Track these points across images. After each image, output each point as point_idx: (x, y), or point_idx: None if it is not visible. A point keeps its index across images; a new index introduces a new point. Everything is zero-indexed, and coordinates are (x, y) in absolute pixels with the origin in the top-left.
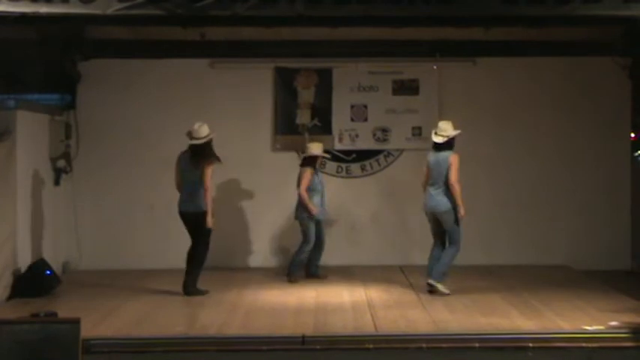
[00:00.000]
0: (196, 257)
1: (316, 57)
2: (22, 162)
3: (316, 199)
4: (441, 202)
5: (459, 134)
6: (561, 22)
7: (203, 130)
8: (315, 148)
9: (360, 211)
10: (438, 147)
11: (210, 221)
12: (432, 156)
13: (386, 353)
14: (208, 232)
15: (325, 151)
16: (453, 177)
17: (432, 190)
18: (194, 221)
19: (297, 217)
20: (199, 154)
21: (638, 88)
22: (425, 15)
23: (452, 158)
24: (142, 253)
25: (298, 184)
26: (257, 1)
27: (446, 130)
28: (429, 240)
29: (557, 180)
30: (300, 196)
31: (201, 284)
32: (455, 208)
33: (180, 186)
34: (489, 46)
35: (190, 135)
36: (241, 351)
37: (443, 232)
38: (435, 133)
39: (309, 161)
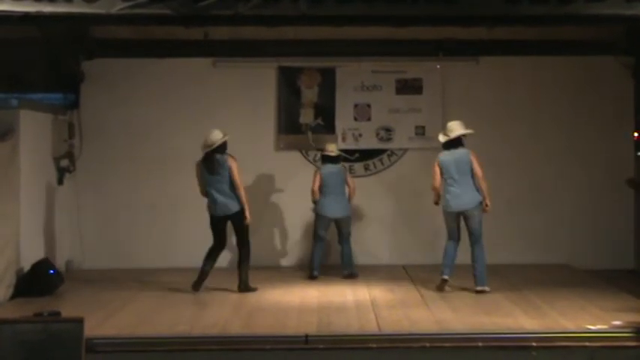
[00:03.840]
0: (247, 254)
1: (319, 56)
2: (25, 161)
3: (326, 198)
4: (474, 198)
5: (464, 134)
6: (564, 21)
7: (214, 136)
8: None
9: (363, 211)
10: (449, 146)
11: (249, 216)
12: (447, 155)
13: (389, 353)
14: (248, 227)
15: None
16: (481, 172)
17: (457, 189)
18: (237, 221)
19: None
20: (218, 158)
21: None
22: (428, 14)
23: (472, 155)
24: (145, 252)
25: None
26: (260, 0)
27: (453, 129)
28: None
29: (560, 179)
30: None
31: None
32: (481, 203)
33: (205, 193)
34: (492, 45)
35: (205, 144)
36: (244, 350)
37: (459, 230)
38: (444, 134)
39: (323, 160)
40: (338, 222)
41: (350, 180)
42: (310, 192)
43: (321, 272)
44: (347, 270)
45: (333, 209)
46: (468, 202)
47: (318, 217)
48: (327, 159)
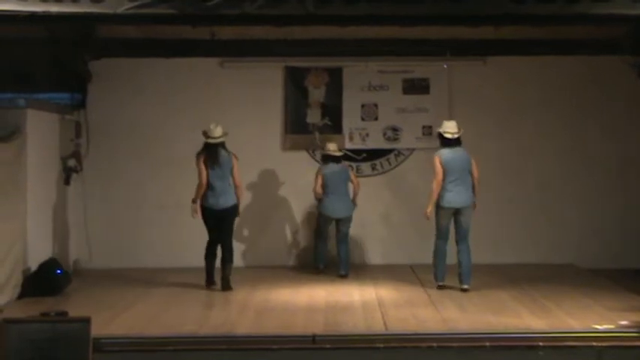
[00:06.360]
0: (231, 251)
1: (326, 56)
2: (32, 161)
3: (329, 198)
4: (470, 197)
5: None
6: (571, 21)
7: (219, 130)
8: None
9: (370, 210)
10: (452, 143)
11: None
12: (448, 153)
13: (396, 352)
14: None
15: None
16: (478, 173)
17: (458, 186)
18: (229, 216)
19: None
20: (222, 152)
21: None
22: (435, 14)
23: (470, 155)
24: (152, 252)
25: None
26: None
27: (453, 127)
28: None
29: (565, 178)
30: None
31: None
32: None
33: (205, 184)
34: (499, 44)
35: (207, 134)
36: (252, 350)
37: (449, 229)
38: (445, 132)
39: (324, 159)
40: (338, 221)
41: (354, 177)
42: (313, 192)
43: (328, 271)
44: (344, 270)
45: (336, 209)
46: (466, 200)
47: (321, 217)
48: (328, 158)
